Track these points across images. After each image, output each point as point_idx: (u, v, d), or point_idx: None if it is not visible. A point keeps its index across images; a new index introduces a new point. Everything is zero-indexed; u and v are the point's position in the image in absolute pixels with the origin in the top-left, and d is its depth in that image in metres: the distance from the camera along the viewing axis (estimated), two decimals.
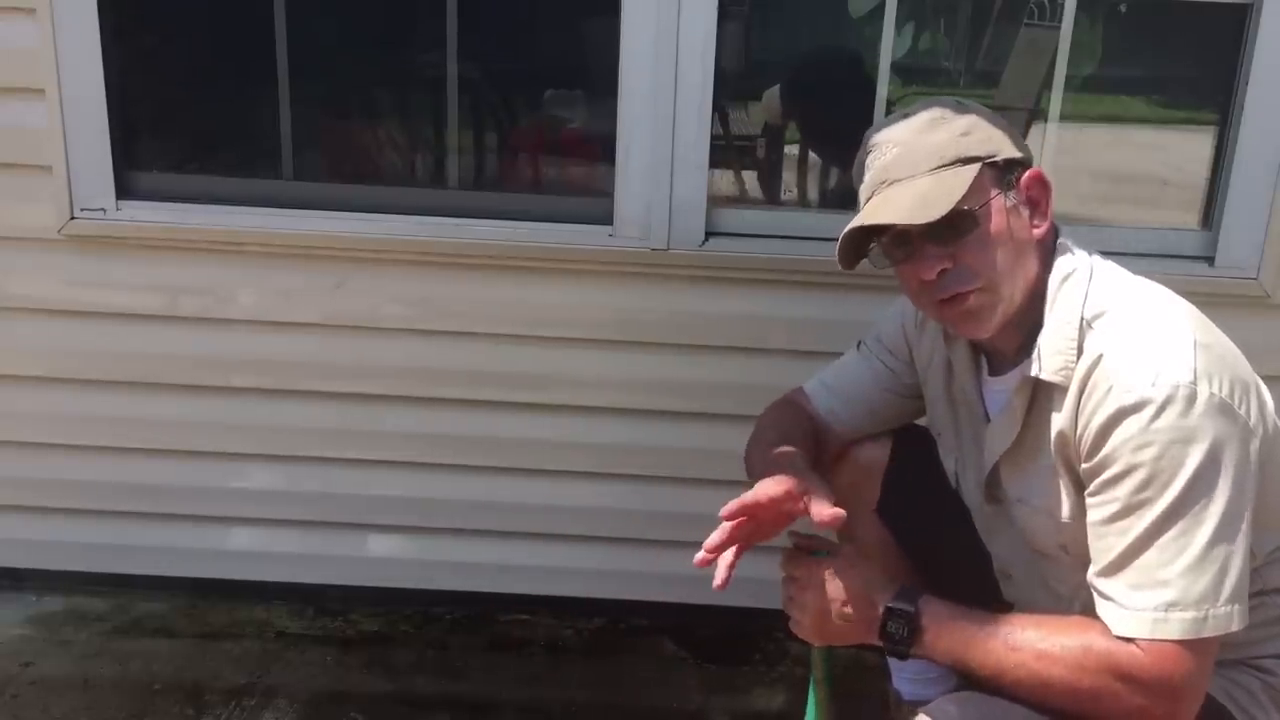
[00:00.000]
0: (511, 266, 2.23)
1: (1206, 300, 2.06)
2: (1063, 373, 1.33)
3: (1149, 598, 1.22)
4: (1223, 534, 1.22)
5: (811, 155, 2.56)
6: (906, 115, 1.42)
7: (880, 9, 2.13)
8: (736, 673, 2.31)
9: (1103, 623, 1.26)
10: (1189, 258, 2.17)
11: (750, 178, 2.55)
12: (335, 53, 2.35)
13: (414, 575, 2.47)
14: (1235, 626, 1.22)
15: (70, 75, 2.14)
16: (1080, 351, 1.32)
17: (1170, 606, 1.21)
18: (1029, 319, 1.39)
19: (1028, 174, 1.39)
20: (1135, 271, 1.43)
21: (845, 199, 2.46)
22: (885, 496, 1.74)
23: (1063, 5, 2.08)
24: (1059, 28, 2.09)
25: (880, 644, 1.36)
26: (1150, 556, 1.22)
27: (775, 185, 2.59)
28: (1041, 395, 1.38)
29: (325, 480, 2.39)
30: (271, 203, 2.23)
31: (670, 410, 2.28)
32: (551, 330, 2.27)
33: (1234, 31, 2.07)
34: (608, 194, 2.19)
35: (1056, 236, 1.42)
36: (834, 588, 1.38)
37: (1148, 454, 1.22)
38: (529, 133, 2.50)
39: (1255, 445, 1.26)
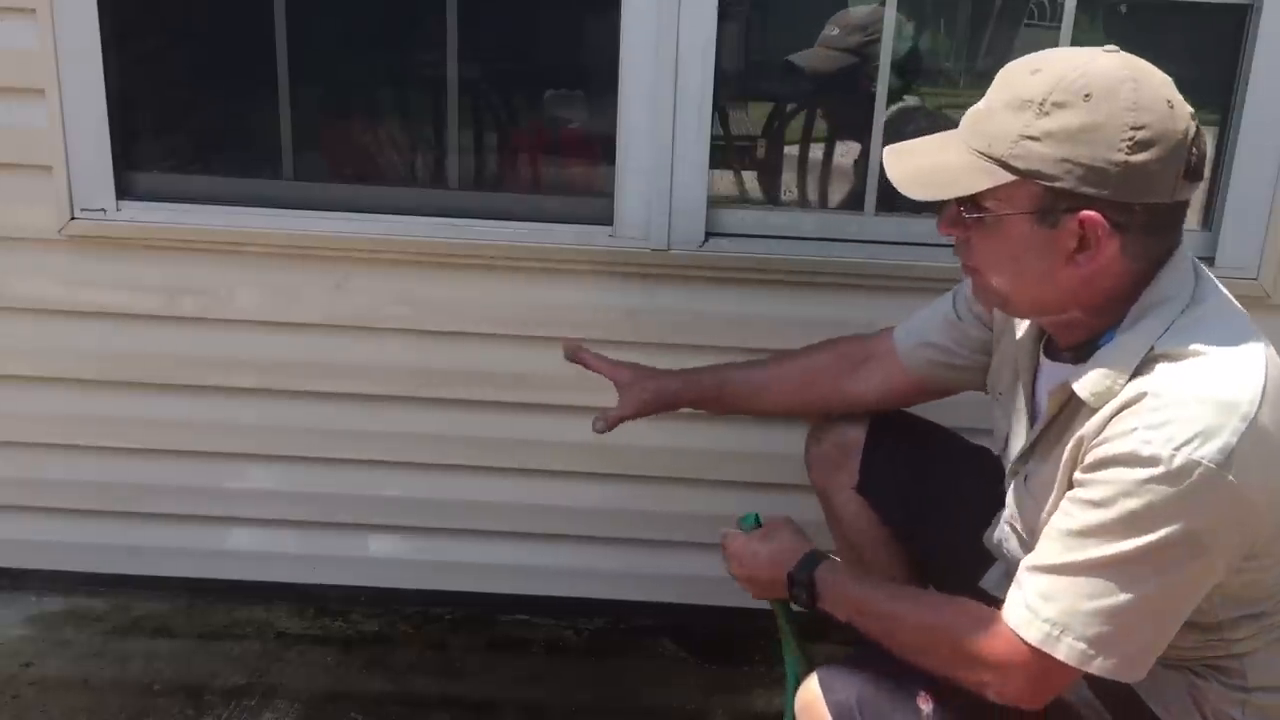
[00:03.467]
0: (512, 267, 2.23)
1: None
2: (1101, 397, 1.24)
3: (1053, 612, 1.22)
4: (1158, 606, 1.20)
5: (812, 154, 2.56)
6: (1037, 70, 1.24)
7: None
8: (736, 673, 2.31)
9: (975, 605, 1.32)
10: None
11: (750, 178, 2.55)
12: (335, 52, 2.35)
13: (414, 575, 2.47)
14: (1123, 678, 1.23)
15: (70, 75, 2.14)
16: (1134, 378, 1.23)
17: (1066, 630, 1.21)
18: (1092, 326, 1.31)
19: (1083, 216, 1.21)
20: None
21: (845, 199, 2.46)
22: (864, 476, 1.77)
23: (1063, 5, 2.08)
24: (1059, 28, 2.09)
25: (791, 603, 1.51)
26: (1075, 583, 1.21)
27: (775, 185, 2.60)
28: (1078, 403, 1.30)
29: (325, 480, 2.39)
30: (271, 203, 2.23)
31: None
32: (551, 330, 2.27)
33: (1234, 31, 2.07)
34: (608, 194, 2.19)
35: (1173, 250, 1.29)
36: (751, 555, 1.55)
37: (1129, 505, 1.17)
38: (529, 133, 2.50)
39: (1255, 539, 1.22)
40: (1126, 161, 1.19)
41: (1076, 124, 1.19)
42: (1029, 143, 1.21)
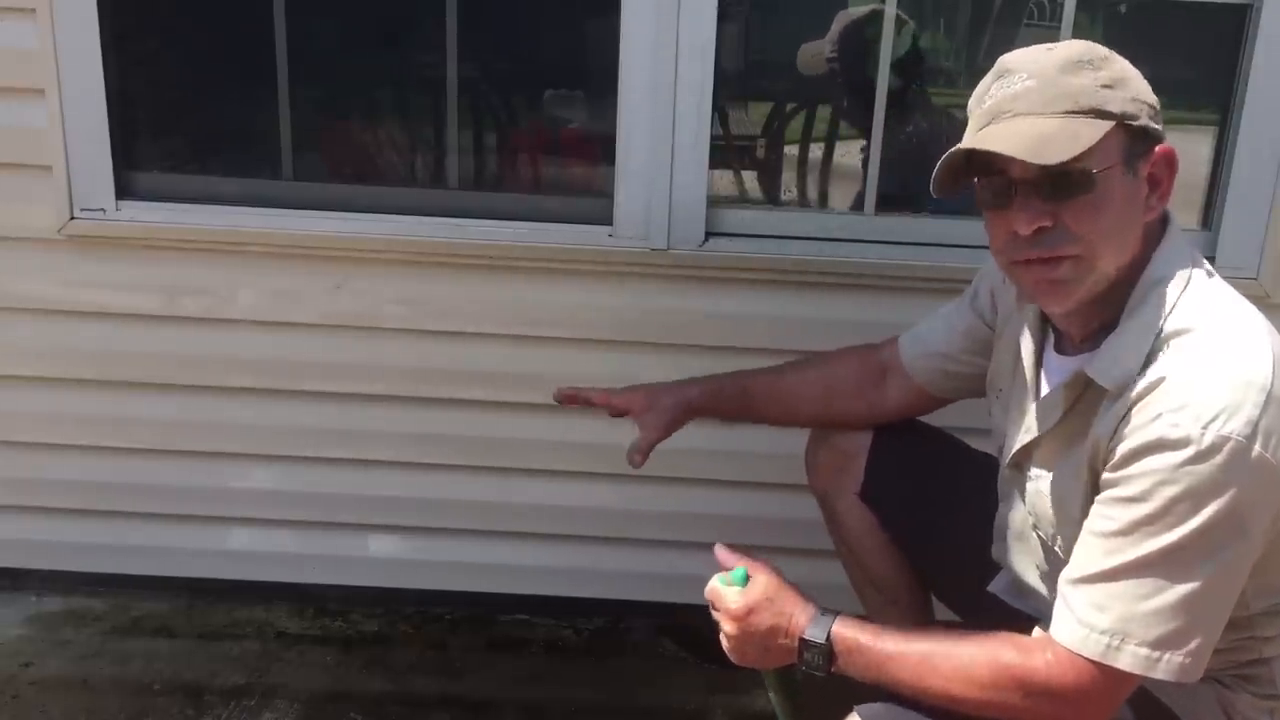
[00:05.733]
0: (511, 267, 2.23)
1: None
2: (1119, 384, 1.24)
3: (1109, 621, 1.20)
4: (1212, 592, 1.18)
5: (812, 154, 2.56)
6: (1050, 49, 1.28)
7: (880, 9, 2.13)
8: (736, 673, 2.27)
9: (1015, 638, 1.26)
10: None
11: (750, 178, 2.55)
12: (335, 52, 2.35)
13: (414, 575, 2.47)
14: (1186, 678, 1.20)
15: (70, 75, 2.14)
16: (1147, 364, 1.23)
17: (1127, 638, 1.19)
18: (1108, 310, 1.30)
19: (1159, 150, 1.28)
20: None
21: (845, 198, 2.46)
22: (869, 482, 1.75)
23: (1062, 5, 2.08)
24: (1059, 27, 2.09)
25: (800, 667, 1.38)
26: (1126, 586, 1.19)
27: (775, 185, 2.59)
28: (1092, 395, 1.30)
29: (325, 480, 2.39)
30: (271, 203, 2.23)
31: None
32: (551, 330, 2.27)
33: (1234, 31, 2.07)
34: (607, 194, 2.19)
35: (1165, 227, 1.32)
36: (753, 621, 1.38)
37: (1169, 492, 1.16)
38: (529, 133, 2.50)
39: None
40: (1155, 101, 1.28)
41: (1120, 73, 1.27)
42: (1106, 90, 1.25)
